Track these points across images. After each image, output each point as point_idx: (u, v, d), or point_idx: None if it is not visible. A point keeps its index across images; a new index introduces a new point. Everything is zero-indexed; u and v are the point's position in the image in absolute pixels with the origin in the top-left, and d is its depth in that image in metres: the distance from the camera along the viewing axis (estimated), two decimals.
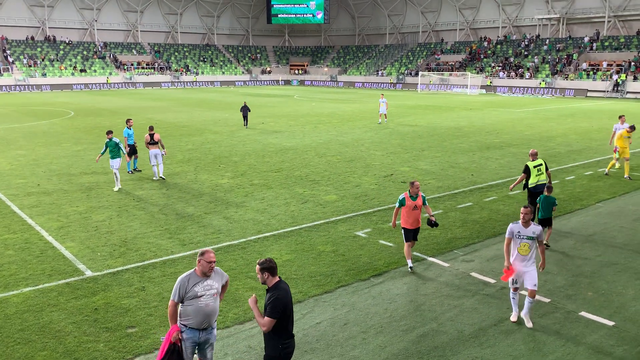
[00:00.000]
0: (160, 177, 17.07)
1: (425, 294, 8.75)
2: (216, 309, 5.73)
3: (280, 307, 5.17)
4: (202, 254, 5.60)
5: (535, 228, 7.65)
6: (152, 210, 13.38)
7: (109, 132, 15.83)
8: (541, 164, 12.06)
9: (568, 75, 62.61)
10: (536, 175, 12.07)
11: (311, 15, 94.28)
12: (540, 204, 10.95)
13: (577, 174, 17.72)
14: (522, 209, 7.61)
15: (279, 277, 5.39)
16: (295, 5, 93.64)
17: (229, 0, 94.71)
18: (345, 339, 7.34)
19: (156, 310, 8.11)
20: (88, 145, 23.54)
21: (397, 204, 9.56)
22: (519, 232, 7.66)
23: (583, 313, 8.07)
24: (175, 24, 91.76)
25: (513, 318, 7.86)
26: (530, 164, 12.08)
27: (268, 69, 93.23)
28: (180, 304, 5.61)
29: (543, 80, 62.64)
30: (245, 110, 30.94)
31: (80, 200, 14.35)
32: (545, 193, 11.02)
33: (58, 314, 7.99)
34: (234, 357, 6.93)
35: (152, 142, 16.73)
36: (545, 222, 10.88)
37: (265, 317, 5.19)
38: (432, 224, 9.63)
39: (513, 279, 7.75)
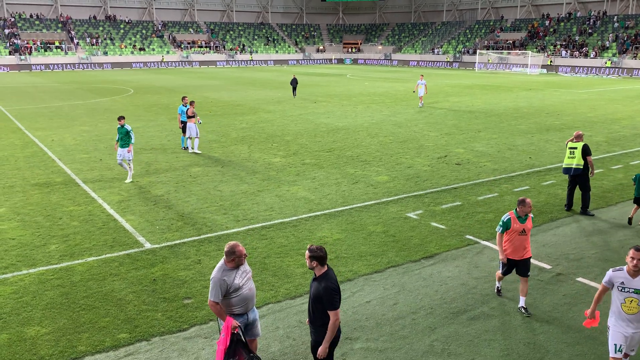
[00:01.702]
0: (195, 151, 17.74)
1: (478, 277, 8.63)
2: (255, 289, 5.76)
3: (338, 297, 5.23)
4: (233, 251, 5.46)
5: None
6: (207, 187, 13.74)
7: (121, 118, 14.43)
8: (575, 148, 11.53)
9: (637, 54, 59.20)
10: (568, 157, 11.69)
11: None
12: (636, 182, 10.87)
13: None
14: (631, 251, 5.34)
15: (327, 266, 5.37)
16: None
17: None
18: (395, 319, 7.37)
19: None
20: (147, 122, 24.30)
21: (499, 228, 7.52)
22: (622, 282, 5.42)
23: None
24: (230, 3, 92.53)
25: None
26: (568, 144, 11.79)
27: (321, 47, 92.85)
28: (223, 298, 5.49)
29: (609, 60, 59.53)
30: (294, 82, 35.18)
31: (139, 175, 14.89)
32: None
33: (119, 283, 8.39)
34: (285, 330, 7.09)
35: (189, 116, 17.63)
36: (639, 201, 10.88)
37: (331, 312, 5.18)
38: None
39: (617, 345, 5.54)
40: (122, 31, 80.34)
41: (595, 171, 14.83)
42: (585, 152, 11.49)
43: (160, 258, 9.35)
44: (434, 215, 11.56)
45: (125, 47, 77.13)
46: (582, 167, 11.51)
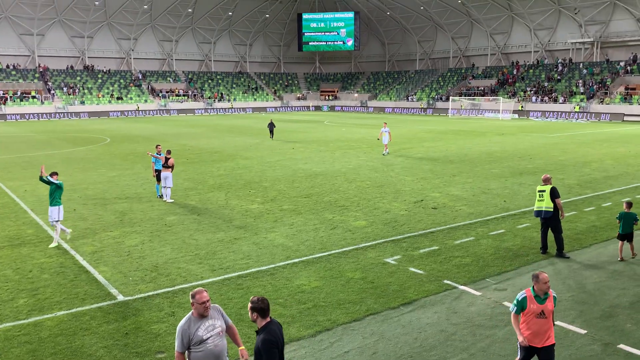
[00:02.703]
0: (169, 200, 17.53)
1: (457, 323, 8.57)
2: (224, 347, 5.49)
3: (276, 350, 4.99)
4: (193, 295, 5.36)
5: None
6: (183, 236, 13.55)
7: (53, 174, 13.38)
8: (544, 191, 11.75)
9: (603, 99, 61.44)
10: (538, 200, 11.90)
11: (341, 43, 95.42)
12: (622, 220, 11.51)
13: (614, 200, 17.23)
14: None
15: (270, 318, 5.19)
16: (326, 33, 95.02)
17: (261, 29, 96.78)
18: None
19: None
20: (123, 171, 24.11)
21: (513, 308, 6.43)
22: None
23: (621, 345, 7.76)
24: (209, 53, 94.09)
25: None
26: (537, 188, 12.04)
27: (299, 95, 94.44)
28: (187, 352, 5.34)
29: (578, 105, 61.61)
30: (271, 125, 38.96)
31: (113, 226, 14.65)
32: (625, 209, 11.58)
33: (90, 337, 8.10)
34: None
35: (165, 166, 17.46)
36: (627, 237, 11.49)
37: None
38: None
39: None
40: (99, 80, 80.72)
41: (566, 214, 15.10)
42: (554, 194, 11.68)
43: (133, 311, 9.09)
44: (412, 260, 11.55)
45: (103, 96, 77.33)
46: (552, 209, 11.68)
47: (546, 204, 11.71)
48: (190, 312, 5.45)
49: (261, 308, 5.10)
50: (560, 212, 11.73)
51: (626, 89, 62.00)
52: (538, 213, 11.91)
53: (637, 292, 9.74)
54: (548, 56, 76.70)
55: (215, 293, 9.62)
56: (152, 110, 77.97)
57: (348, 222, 14.71)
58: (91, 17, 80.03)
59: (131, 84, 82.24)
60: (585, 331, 8.23)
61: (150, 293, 9.84)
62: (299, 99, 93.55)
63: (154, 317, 8.81)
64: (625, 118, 57.10)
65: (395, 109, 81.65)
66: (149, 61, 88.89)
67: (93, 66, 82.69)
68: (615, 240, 12.81)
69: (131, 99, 78.94)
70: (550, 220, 11.76)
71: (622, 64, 65.64)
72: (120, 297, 9.65)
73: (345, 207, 16.53)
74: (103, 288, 10.09)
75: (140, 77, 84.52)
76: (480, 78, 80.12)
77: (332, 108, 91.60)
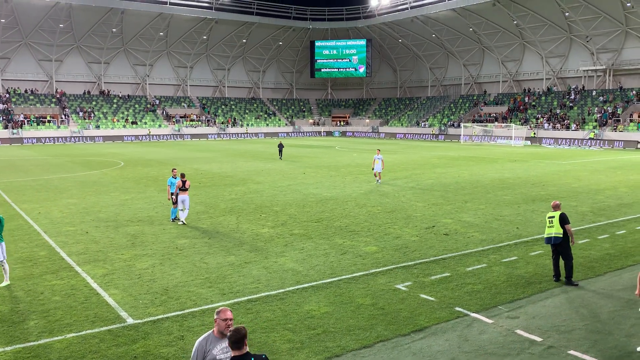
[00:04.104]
0: (183, 222, 17.72)
1: (468, 351, 8.44)
2: None
3: None
4: (218, 312, 5.51)
5: None
6: (193, 259, 13.57)
7: None
8: (553, 217, 11.71)
9: (617, 127, 61.17)
10: (547, 227, 11.85)
11: (353, 69, 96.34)
12: None
13: (629, 228, 17.02)
14: None
15: (247, 352, 4.96)
16: (338, 60, 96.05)
17: (274, 56, 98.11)
18: None
19: None
20: (136, 195, 24.31)
21: None
22: None
23: None
24: (222, 79, 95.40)
25: None
26: (547, 214, 12.00)
27: (312, 121, 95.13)
28: None
29: (592, 131, 61.35)
30: (280, 146, 43.02)
31: (125, 248, 14.72)
32: None
33: None
34: None
35: (183, 189, 17.75)
36: None
37: None
38: None
39: None
40: (115, 105, 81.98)
41: (580, 241, 14.93)
42: (563, 220, 11.62)
43: (142, 334, 9.07)
44: (423, 286, 11.44)
45: (118, 120, 78.44)
46: (561, 235, 11.60)
47: (556, 230, 11.63)
48: (211, 330, 5.57)
49: (232, 340, 4.95)
50: (570, 238, 11.62)
51: (639, 116, 61.68)
52: (548, 240, 11.84)
53: None
54: (560, 83, 76.72)
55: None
56: (166, 135, 78.86)
57: (358, 248, 14.66)
58: (108, 44, 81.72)
59: (146, 109, 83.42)
60: None
61: (160, 316, 9.82)
62: (314, 124, 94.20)
63: (163, 341, 8.78)
64: (639, 146, 56.68)
65: (407, 135, 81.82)
66: (164, 87, 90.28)
67: (109, 91, 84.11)
68: (631, 269, 12.64)
69: (145, 123, 79.98)
70: (560, 247, 11.66)
71: (634, 92, 65.46)
72: (130, 320, 9.64)
73: (355, 232, 16.49)
74: (113, 311, 10.10)
75: (155, 103, 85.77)
76: (492, 105, 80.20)
77: (343, 134, 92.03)
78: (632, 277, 12.05)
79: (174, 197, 18.20)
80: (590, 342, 8.72)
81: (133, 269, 12.81)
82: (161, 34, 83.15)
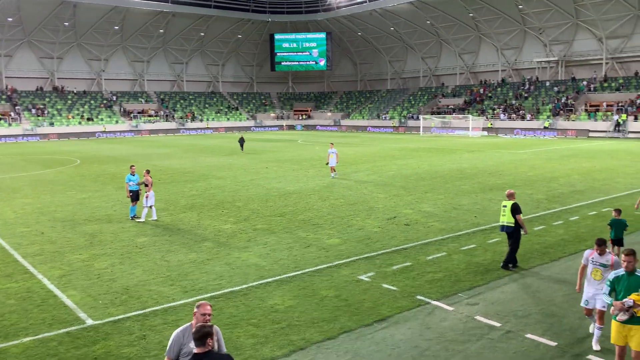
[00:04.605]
0: (155, 219, 17.69)
1: (430, 338, 8.61)
2: None
3: None
4: (198, 306, 5.57)
5: None
6: (154, 257, 13.36)
7: None
8: (506, 206, 12.06)
9: (569, 116, 63.19)
10: (501, 215, 12.23)
11: (314, 63, 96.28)
12: (613, 226, 12.15)
13: (581, 214, 17.66)
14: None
15: (209, 350, 4.91)
16: (298, 53, 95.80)
17: (233, 50, 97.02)
18: None
19: (156, 359, 8.00)
20: (93, 193, 23.71)
21: None
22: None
23: (590, 356, 7.91)
24: (181, 73, 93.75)
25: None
26: (502, 202, 12.36)
27: (273, 115, 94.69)
28: None
29: (546, 121, 63.18)
30: (242, 140, 45.05)
31: (83, 248, 14.36)
32: (615, 216, 12.20)
33: None
34: None
35: (146, 184, 17.81)
36: (618, 242, 12.11)
37: None
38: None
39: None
40: (69, 102, 79.53)
41: (535, 228, 15.40)
42: (515, 210, 11.94)
43: (103, 335, 8.89)
44: (385, 276, 11.60)
45: (73, 117, 76.17)
46: (513, 224, 11.95)
47: (508, 219, 11.99)
48: (189, 323, 5.61)
49: (195, 335, 4.95)
50: (522, 228, 11.96)
51: (590, 105, 63.89)
52: (502, 228, 12.22)
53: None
54: (515, 74, 78.63)
55: (187, 315, 9.48)
56: (124, 131, 77.07)
57: (322, 240, 14.72)
58: (61, 38, 79.05)
59: (102, 105, 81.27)
60: (556, 343, 8.37)
61: (121, 316, 9.64)
62: (276, 117, 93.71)
63: (125, 341, 8.63)
64: (590, 134, 58.74)
65: (368, 128, 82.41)
66: (121, 82, 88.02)
67: (63, 87, 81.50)
68: (581, 254, 13.09)
69: (102, 120, 77.93)
70: (511, 235, 12.02)
71: (585, 82, 67.73)
72: (90, 322, 9.43)
73: (319, 225, 16.55)
74: (71, 312, 9.85)
75: (112, 98, 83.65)
76: (450, 97, 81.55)
77: (305, 127, 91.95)
78: None
79: (130, 195, 17.95)
80: (546, 325, 9.04)
81: (92, 269, 12.52)
82: (116, 27, 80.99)
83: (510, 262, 12.06)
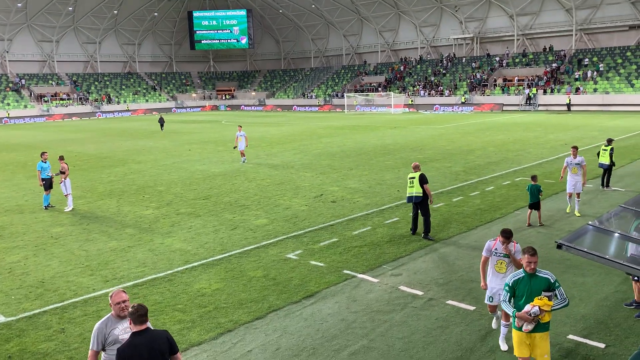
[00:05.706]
0: (69, 208, 16.84)
1: (356, 311, 8.80)
2: None
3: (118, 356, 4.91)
4: (111, 296, 5.50)
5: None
6: (71, 247, 12.73)
7: None
8: (414, 178, 12.51)
9: (484, 91, 66.01)
10: (409, 187, 12.67)
11: (235, 41, 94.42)
12: (530, 191, 13.14)
13: (497, 184, 18.58)
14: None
15: (147, 327, 5.01)
16: (219, 31, 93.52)
17: (149, 28, 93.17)
18: None
19: (77, 352, 7.67)
20: (1, 182, 22.18)
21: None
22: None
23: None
24: (94, 53, 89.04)
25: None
26: (408, 175, 12.80)
27: (195, 95, 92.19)
28: (103, 353, 5.39)
29: (463, 96, 65.65)
30: (161, 120, 46.37)
31: None
32: (531, 182, 13.24)
33: None
34: None
35: (63, 172, 16.87)
36: (535, 206, 13.19)
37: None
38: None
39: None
40: None
41: (454, 199, 16.06)
42: (422, 180, 12.44)
43: (17, 331, 8.40)
44: (313, 253, 11.70)
45: None
46: (421, 194, 12.42)
47: (416, 190, 12.44)
48: (109, 314, 5.50)
49: (135, 314, 5.01)
50: (429, 197, 12.47)
51: (504, 80, 67.03)
52: (410, 199, 12.63)
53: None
54: (433, 52, 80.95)
55: (108, 305, 9.11)
56: (34, 116, 72.43)
57: (249, 221, 14.60)
58: None
59: (7, 89, 75.78)
60: (474, 307, 8.80)
61: (37, 311, 9.14)
62: (198, 98, 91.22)
63: (41, 336, 8.20)
64: (505, 108, 61.75)
65: (294, 107, 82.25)
66: (27, 63, 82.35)
67: None
68: (499, 221, 13.85)
69: (8, 104, 72.77)
70: (420, 205, 12.52)
71: (498, 58, 70.86)
72: (1, 319, 8.87)
73: (245, 207, 16.39)
74: None
75: (19, 82, 78.13)
76: (372, 74, 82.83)
77: (229, 107, 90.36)
78: (500, 228, 13.20)
79: (43, 183, 16.94)
80: (465, 291, 9.48)
81: (2, 263, 11.75)
82: (19, 5, 75.39)
83: (429, 231, 12.52)
